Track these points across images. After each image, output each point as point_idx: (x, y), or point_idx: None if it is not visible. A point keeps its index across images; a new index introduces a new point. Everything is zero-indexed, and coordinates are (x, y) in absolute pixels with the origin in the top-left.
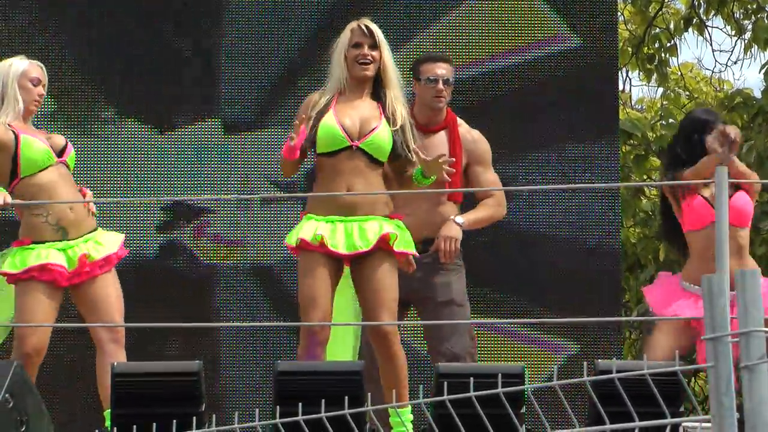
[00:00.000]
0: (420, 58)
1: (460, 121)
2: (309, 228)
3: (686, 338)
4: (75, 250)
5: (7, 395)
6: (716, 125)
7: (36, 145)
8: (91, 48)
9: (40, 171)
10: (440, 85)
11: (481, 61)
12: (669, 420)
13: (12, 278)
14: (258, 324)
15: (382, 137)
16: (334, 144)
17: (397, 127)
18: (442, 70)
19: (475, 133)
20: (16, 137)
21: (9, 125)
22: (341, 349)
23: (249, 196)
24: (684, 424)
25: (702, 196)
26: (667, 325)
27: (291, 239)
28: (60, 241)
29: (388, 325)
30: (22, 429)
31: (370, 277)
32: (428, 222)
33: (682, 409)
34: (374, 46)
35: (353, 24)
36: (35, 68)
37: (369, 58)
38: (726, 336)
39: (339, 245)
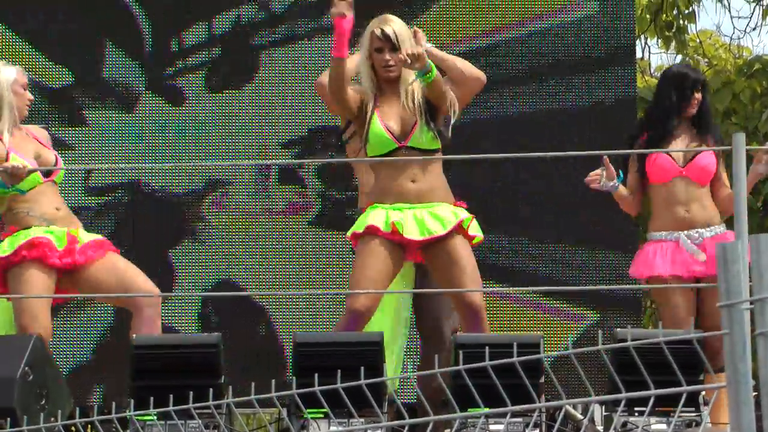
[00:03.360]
0: None
1: None
2: (379, 215)
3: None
4: (62, 231)
5: (27, 368)
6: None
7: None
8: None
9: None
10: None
11: (497, 30)
12: (684, 388)
13: (3, 262)
14: (284, 293)
15: (425, 133)
16: (384, 147)
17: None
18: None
19: None
20: (6, 151)
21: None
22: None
23: (265, 161)
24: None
25: (670, 156)
26: (671, 294)
27: (358, 227)
28: (47, 227)
29: (480, 301)
30: (42, 401)
31: (454, 256)
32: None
33: (702, 377)
34: (394, 48)
35: (373, 28)
36: (21, 73)
37: (392, 62)
38: (741, 303)
39: (412, 232)
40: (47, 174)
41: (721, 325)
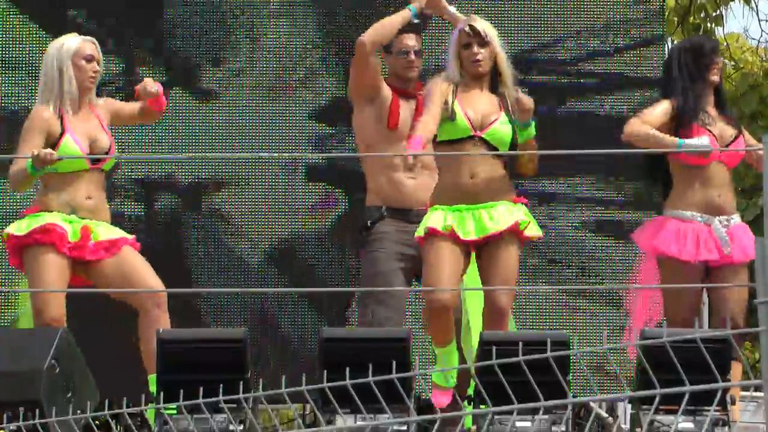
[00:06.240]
0: None
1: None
2: (437, 218)
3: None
4: (79, 223)
5: (53, 361)
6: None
7: (73, 149)
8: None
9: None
10: (411, 56)
11: (526, 35)
12: (720, 384)
13: (17, 241)
14: (322, 290)
15: (503, 129)
16: (457, 133)
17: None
18: (411, 41)
19: None
20: (63, 131)
21: (61, 116)
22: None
23: (287, 154)
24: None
25: (711, 132)
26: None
27: (419, 232)
28: (68, 214)
29: (504, 305)
30: (69, 394)
31: (496, 258)
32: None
33: (729, 375)
34: (483, 43)
35: (461, 24)
36: (88, 45)
37: (480, 57)
38: None
39: (470, 233)
40: (95, 161)
41: (759, 322)
